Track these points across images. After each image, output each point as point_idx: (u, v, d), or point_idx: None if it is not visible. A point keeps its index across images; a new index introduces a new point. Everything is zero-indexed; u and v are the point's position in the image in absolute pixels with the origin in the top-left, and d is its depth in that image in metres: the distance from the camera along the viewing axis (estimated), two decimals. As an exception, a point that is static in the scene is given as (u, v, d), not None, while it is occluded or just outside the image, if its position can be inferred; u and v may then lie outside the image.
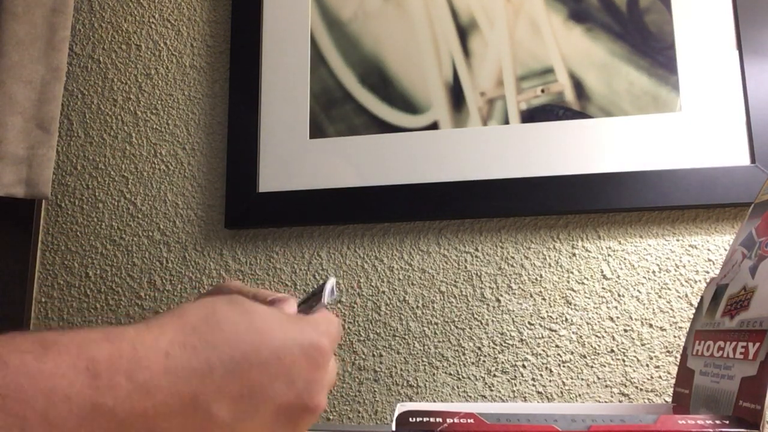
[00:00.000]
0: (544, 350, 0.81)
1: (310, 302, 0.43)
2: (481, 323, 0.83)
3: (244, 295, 0.46)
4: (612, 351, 0.80)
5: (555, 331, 0.81)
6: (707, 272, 0.80)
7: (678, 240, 0.81)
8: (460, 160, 0.85)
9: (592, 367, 0.80)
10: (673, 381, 0.71)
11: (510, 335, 0.82)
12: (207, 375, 0.31)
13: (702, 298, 0.54)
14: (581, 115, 0.83)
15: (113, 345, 0.29)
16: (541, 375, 0.81)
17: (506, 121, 0.85)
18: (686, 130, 0.81)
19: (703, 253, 0.80)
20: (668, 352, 0.79)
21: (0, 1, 0.92)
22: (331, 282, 0.44)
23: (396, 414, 0.40)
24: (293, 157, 0.89)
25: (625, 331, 0.80)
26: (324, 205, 0.87)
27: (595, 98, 0.84)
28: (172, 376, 0.30)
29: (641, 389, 0.78)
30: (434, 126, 0.87)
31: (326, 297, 0.42)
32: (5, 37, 0.91)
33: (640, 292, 0.80)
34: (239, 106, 0.92)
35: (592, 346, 0.80)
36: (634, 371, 0.79)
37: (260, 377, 0.32)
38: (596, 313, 0.81)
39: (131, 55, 0.99)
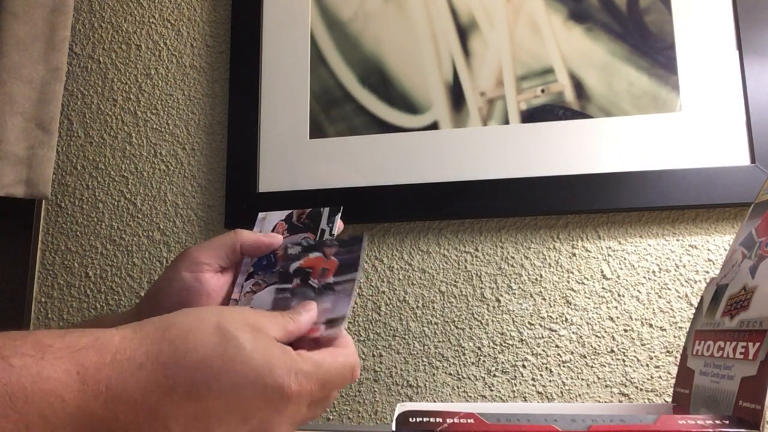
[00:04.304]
0: (544, 350, 0.81)
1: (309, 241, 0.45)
2: (481, 323, 0.83)
3: (247, 241, 0.50)
4: (612, 351, 0.80)
5: (555, 331, 0.81)
6: (707, 272, 0.80)
7: (678, 240, 0.81)
8: (460, 160, 0.85)
9: (592, 367, 0.80)
10: (673, 381, 0.71)
11: (510, 335, 0.82)
12: (170, 392, 0.34)
13: (702, 298, 0.54)
14: (581, 115, 0.83)
15: (99, 355, 0.33)
16: (541, 375, 0.81)
17: (506, 121, 0.85)
18: (686, 130, 0.81)
19: (703, 253, 0.80)
20: (668, 352, 0.79)
21: (0, 1, 0.92)
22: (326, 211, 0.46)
23: (396, 414, 0.40)
24: (293, 157, 0.89)
25: (625, 331, 0.80)
26: (324, 205, 0.87)
27: (595, 98, 0.84)
28: (142, 388, 0.33)
29: (641, 389, 0.78)
30: (434, 126, 0.87)
31: (326, 228, 0.44)
32: (5, 37, 0.91)
33: (640, 292, 0.80)
34: (239, 106, 0.92)
35: (592, 346, 0.80)
36: (634, 371, 0.79)
37: (215, 406, 0.34)
38: (596, 313, 0.81)
39: (131, 55, 0.99)
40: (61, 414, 0.31)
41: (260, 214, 0.54)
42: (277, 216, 0.53)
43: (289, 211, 0.53)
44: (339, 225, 0.53)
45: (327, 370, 0.38)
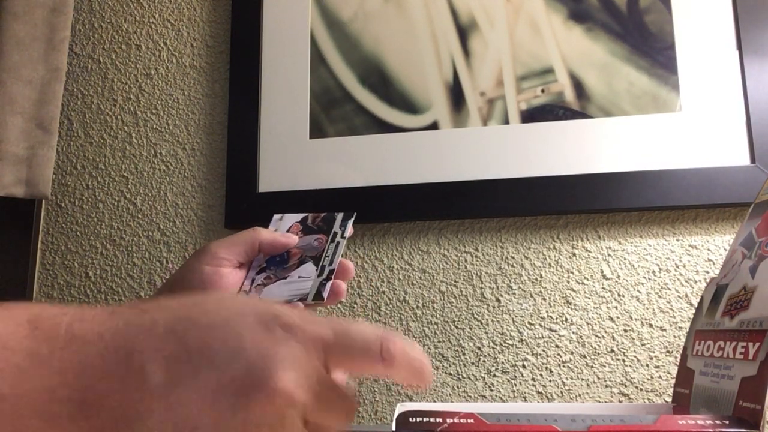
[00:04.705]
0: (544, 350, 0.81)
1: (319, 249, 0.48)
2: (481, 323, 0.83)
3: (265, 239, 0.52)
4: (612, 351, 0.80)
5: (555, 331, 0.81)
6: (707, 272, 0.80)
7: (678, 240, 0.81)
8: (460, 160, 0.85)
9: (592, 367, 0.80)
10: (673, 381, 0.71)
11: (510, 335, 0.82)
12: (147, 331, 0.28)
13: (702, 298, 0.54)
14: (581, 115, 0.83)
15: (60, 308, 0.29)
16: (541, 375, 0.81)
17: (506, 121, 0.85)
18: (686, 130, 0.81)
19: (703, 253, 0.80)
20: (668, 352, 0.79)
21: (0, 1, 0.92)
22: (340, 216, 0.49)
23: (396, 414, 0.40)
24: (293, 157, 0.89)
25: (625, 331, 0.80)
26: (324, 205, 0.87)
27: (595, 98, 0.84)
28: (112, 330, 0.28)
29: (641, 389, 0.78)
30: (434, 126, 0.87)
31: (338, 230, 0.47)
32: (5, 37, 0.91)
33: (640, 292, 0.80)
34: (239, 106, 0.92)
35: (592, 346, 0.80)
36: (634, 371, 0.79)
37: (203, 340, 0.28)
38: (596, 313, 0.81)
39: (131, 55, 0.99)
40: (4, 366, 0.26)
41: (276, 215, 0.58)
42: (293, 218, 0.57)
43: (305, 214, 0.57)
44: (350, 230, 0.55)
45: (341, 321, 0.31)
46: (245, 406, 0.27)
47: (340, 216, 0.54)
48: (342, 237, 0.52)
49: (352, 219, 0.54)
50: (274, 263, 0.53)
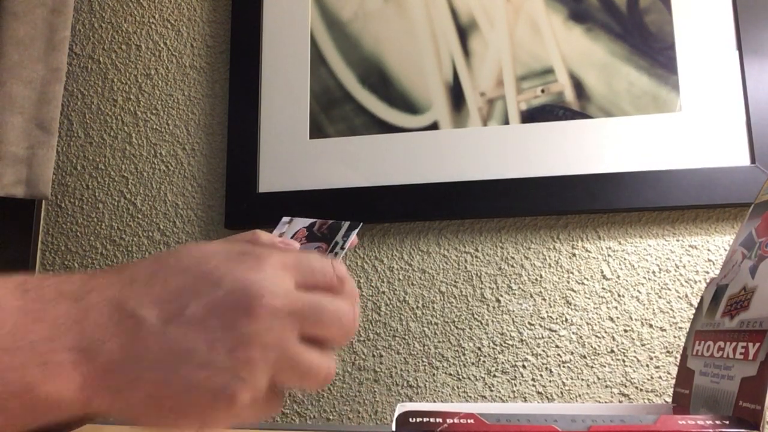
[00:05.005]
0: (544, 350, 0.81)
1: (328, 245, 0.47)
2: (481, 323, 0.83)
3: (264, 243, 0.51)
4: (612, 351, 0.80)
5: (555, 331, 0.81)
6: (707, 272, 0.80)
7: (678, 240, 0.81)
8: (460, 160, 0.85)
9: (592, 367, 0.80)
10: (673, 381, 0.71)
11: (510, 335, 0.82)
12: (128, 284, 0.30)
13: (702, 298, 0.54)
14: (581, 115, 0.83)
15: (44, 276, 0.30)
16: (541, 375, 0.80)
17: (506, 122, 0.85)
18: (686, 130, 0.81)
19: (703, 253, 0.80)
20: (668, 352, 0.79)
21: (0, 1, 0.92)
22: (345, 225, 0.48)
23: (396, 414, 0.40)
24: (293, 157, 0.89)
25: (625, 331, 0.80)
26: (324, 205, 0.87)
27: (595, 98, 0.84)
28: (94, 284, 0.30)
29: (641, 389, 0.78)
30: (434, 126, 0.87)
31: (340, 240, 0.45)
32: (5, 37, 0.91)
33: (640, 293, 0.80)
34: (239, 106, 0.92)
35: (592, 346, 0.80)
36: (634, 371, 0.79)
37: (183, 280, 0.31)
38: (596, 313, 0.81)
39: (131, 55, 0.99)
40: (3, 324, 0.28)
41: (284, 218, 0.57)
42: (302, 223, 0.55)
43: (313, 220, 0.55)
44: (353, 241, 0.54)
45: (297, 253, 0.34)
46: (232, 323, 0.30)
47: (345, 225, 0.52)
48: (341, 248, 0.50)
49: (357, 230, 0.52)
50: None
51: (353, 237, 0.53)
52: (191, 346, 0.29)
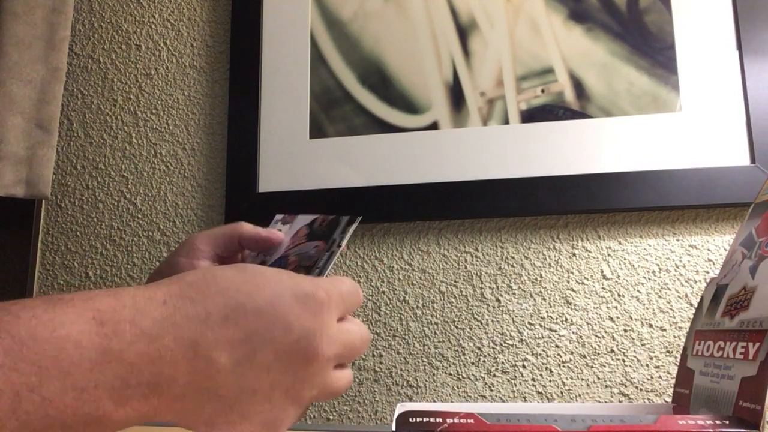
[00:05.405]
0: (544, 350, 0.81)
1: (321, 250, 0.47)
2: (481, 323, 0.83)
3: (246, 233, 0.52)
4: (612, 351, 0.80)
5: (555, 331, 0.81)
6: (707, 272, 0.80)
7: (678, 240, 0.81)
8: (460, 160, 0.85)
9: (592, 367, 0.80)
10: (673, 381, 0.71)
11: (510, 335, 0.82)
12: (204, 321, 0.32)
13: (702, 298, 0.54)
14: (581, 115, 0.83)
15: (115, 297, 0.31)
16: (541, 375, 0.81)
17: (506, 121, 0.85)
18: (686, 130, 0.81)
19: (703, 253, 0.80)
20: (668, 352, 0.79)
21: (0, 1, 0.92)
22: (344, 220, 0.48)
23: (396, 414, 0.40)
24: (293, 157, 0.89)
25: (625, 331, 0.80)
26: (324, 205, 0.87)
27: (595, 98, 0.84)
28: (171, 322, 0.31)
29: (641, 389, 0.78)
30: (434, 126, 0.87)
31: (338, 236, 0.45)
32: (5, 37, 0.91)
33: (640, 292, 0.80)
34: (239, 106, 0.92)
35: (592, 346, 0.80)
36: (634, 371, 0.79)
37: (256, 323, 0.33)
38: (596, 313, 0.81)
39: (131, 55, 0.99)
40: (79, 361, 0.28)
41: (277, 216, 0.56)
42: (305, 220, 0.54)
43: (315, 216, 0.54)
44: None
45: (332, 283, 0.38)
46: (294, 369, 0.34)
47: (344, 220, 0.51)
48: (338, 245, 0.49)
49: (354, 225, 0.51)
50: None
51: (350, 233, 0.52)
52: (256, 387, 0.33)
